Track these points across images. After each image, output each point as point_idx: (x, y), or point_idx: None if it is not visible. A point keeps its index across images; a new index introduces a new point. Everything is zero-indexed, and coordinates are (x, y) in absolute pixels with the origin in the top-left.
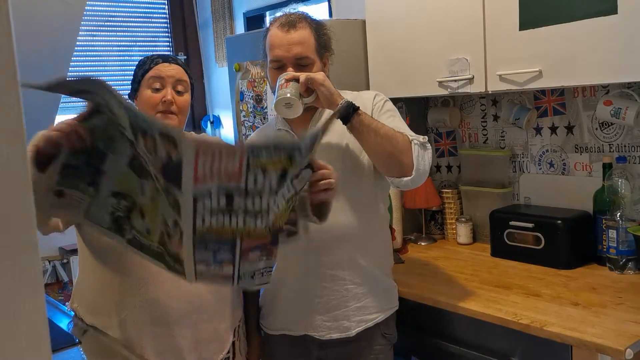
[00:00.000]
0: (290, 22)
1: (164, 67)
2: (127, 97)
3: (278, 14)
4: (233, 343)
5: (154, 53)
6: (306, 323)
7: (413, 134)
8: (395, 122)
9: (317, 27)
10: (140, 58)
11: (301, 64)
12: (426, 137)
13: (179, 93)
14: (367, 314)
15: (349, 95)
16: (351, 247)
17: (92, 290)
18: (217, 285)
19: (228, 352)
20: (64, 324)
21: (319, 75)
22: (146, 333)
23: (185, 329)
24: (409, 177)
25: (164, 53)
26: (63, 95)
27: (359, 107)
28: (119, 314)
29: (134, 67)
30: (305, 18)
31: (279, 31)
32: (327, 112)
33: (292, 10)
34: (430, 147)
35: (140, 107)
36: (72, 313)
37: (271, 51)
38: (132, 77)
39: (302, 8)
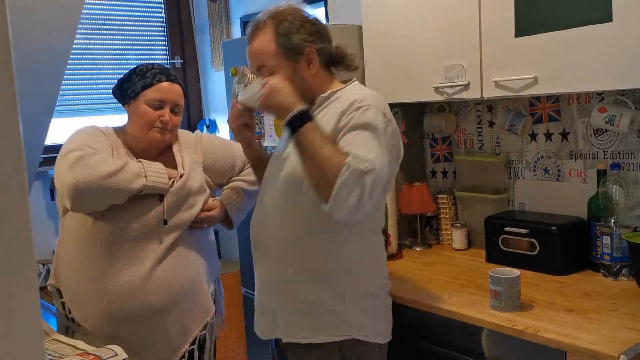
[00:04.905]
0: (252, 31)
1: (167, 88)
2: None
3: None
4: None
5: (153, 62)
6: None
7: (368, 156)
8: (358, 140)
9: (281, 27)
10: (138, 63)
11: (263, 73)
12: (375, 163)
13: (174, 113)
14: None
15: (339, 92)
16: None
17: (77, 279)
18: None
19: (212, 317)
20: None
21: (268, 92)
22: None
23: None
24: (326, 205)
25: (164, 66)
26: (57, 100)
27: (309, 119)
28: (101, 300)
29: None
30: (271, 18)
31: (248, 41)
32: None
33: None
34: (382, 176)
35: (133, 119)
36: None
37: None
38: (125, 77)
39: None
